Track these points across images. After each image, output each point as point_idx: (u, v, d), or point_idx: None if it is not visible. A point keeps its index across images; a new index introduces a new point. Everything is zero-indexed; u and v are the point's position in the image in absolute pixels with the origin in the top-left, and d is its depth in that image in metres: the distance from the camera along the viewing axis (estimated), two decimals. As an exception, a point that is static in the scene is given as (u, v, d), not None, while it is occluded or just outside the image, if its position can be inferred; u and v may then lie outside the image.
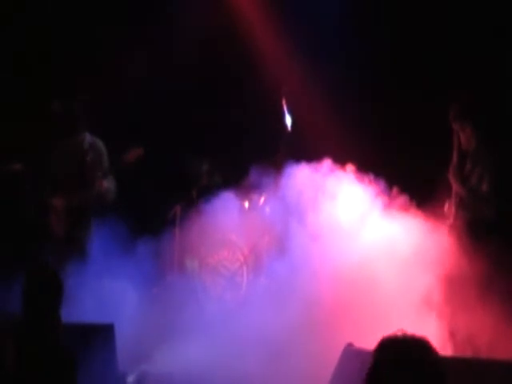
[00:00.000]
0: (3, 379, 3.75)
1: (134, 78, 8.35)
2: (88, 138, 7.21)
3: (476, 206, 6.55)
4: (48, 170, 7.12)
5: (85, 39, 8.52)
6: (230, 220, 7.73)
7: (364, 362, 2.97)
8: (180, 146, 8.75)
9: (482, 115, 6.70)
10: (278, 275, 6.83)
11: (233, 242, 7.91)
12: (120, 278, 6.97)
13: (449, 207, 6.71)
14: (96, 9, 8.54)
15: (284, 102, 8.20)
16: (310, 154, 7.33)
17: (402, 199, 6.61)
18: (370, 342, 2.79)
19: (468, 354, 5.98)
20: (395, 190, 6.69)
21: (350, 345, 5.42)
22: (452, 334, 6.17)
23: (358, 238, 6.57)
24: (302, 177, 6.87)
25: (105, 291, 6.80)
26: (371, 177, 6.75)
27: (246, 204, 8.00)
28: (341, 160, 6.93)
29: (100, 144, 7.25)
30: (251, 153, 8.23)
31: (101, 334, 5.51)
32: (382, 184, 6.69)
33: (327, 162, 6.84)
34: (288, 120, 8.20)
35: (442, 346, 5.88)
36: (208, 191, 8.02)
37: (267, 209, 7.75)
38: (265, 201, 7.89)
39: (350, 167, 6.85)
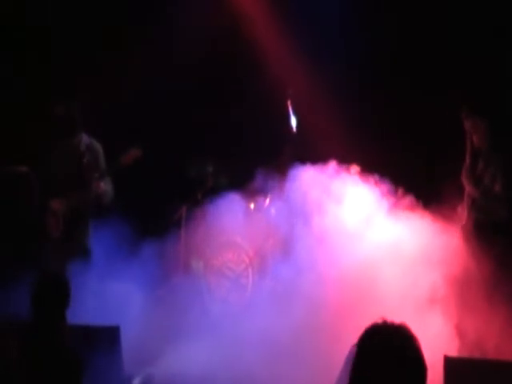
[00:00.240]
0: (8, 380, 3.75)
1: (135, 78, 8.34)
2: (85, 139, 7.20)
3: (489, 207, 6.54)
4: (48, 170, 7.11)
5: (85, 39, 8.52)
6: (235, 222, 7.71)
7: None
8: (184, 147, 8.74)
9: (495, 113, 6.69)
10: (284, 277, 6.81)
11: (238, 243, 7.90)
12: (125, 280, 6.96)
13: (461, 209, 6.70)
14: (96, 9, 8.54)
15: (289, 103, 8.20)
16: (314, 154, 7.32)
17: (408, 199, 6.60)
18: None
19: (475, 355, 5.96)
20: (400, 190, 6.68)
21: (355, 347, 5.39)
22: (459, 336, 6.15)
23: (363, 239, 6.55)
24: (307, 178, 6.86)
25: (110, 293, 6.79)
26: (376, 177, 6.74)
27: (252, 206, 7.99)
28: (345, 160, 6.93)
29: (97, 145, 7.24)
30: (256, 154, 8.22)
31: (107, 336, 5.50)
32: (388, 184, 6.68)
33: (332, 164, 6.83)
34: (293, 121, 8.20)
35: (450, 347, 5.87)
36: (213, 193, 8.01)
37: (272, 211, 7.74)
38: (270, 203, 7.88)
39: (355, 168, 6.84)
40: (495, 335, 6.00)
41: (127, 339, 5.67)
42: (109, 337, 5.51)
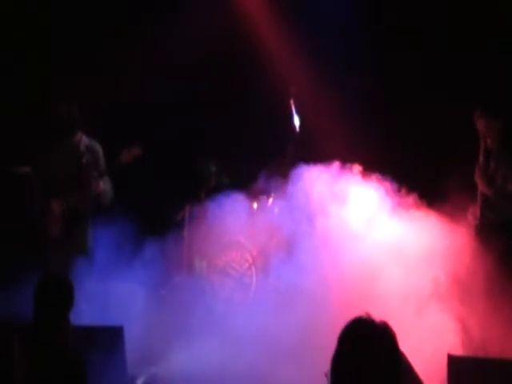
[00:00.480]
0: (11, 381, 3.75)
1: (135, 78, 8.34)
2: (84, 139, 7.21)
3: (502, 207, 6.56)
4: (47, 170, 7.11)
5: (85, 39, 8.52)
6: (238, 221, 7.72)
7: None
8: (187, 147, 8.74)
9: (508, 114, 6.69)
10: (287, 277, 6.81)
11: (241, 243, 7.91)
12: (128, 280, 6.97)
13: (474, 208, 6.71)
14: (96, 9, 8.54)
15: (292, 102, 8.20)
16: (317, 154, 7.32)
17: (413, 198, 6.59)
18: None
19: (479, 353, 5.95)
20: (404, 189, 6.67)
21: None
22: (463, 334, 6.14)
23: (367, 239, 6.54)
24: (310, 178, 6.85)
25: (113, 293, 6.79)
26: (379, 176, 6.73)
27: (255, 206, 7.99)
28: (348, 160, 6.92)
29: (96, 145, 7.24)
30: (259, 154, 8.22)
31: (110, 337, 5.49)
32: (391, 184, 6.67)
33: (336, 164, 6.82)
34: (296, 120, 8.20)
35: (455, 346, 5.87)
36: (216, 192, 8.01)
37: (276, 210, 7.73)
38: (273, 202, 7.88)
39: (357, 168, 6.83)
40: (500, 334, 5.99)
41: (130, 339, 5.66)
42: (112, 337, 5.50)
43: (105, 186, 7.08)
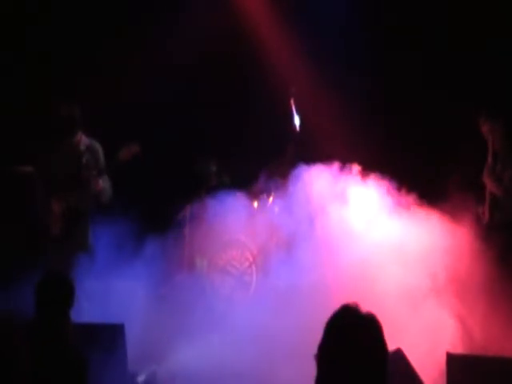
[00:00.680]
0: (12, 379, 3.76)
1: (135, 78, 8.35)
2: (84, 139, 7.21)
3: (509, 207, 6.62)
4: (48, 170, 7.12)
5: (85, 39, 8.53)
6: (238, 220, 7.73)
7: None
8: (188, 147, 8.75)
9: (508, 114, 6.74)
10: (287, 276, 6.82)
11: (241, 242, 7.92)
12: (129, 278, 6.98)
13: (482, 208, 6.75)
14: (96, 9, 8.55)
15: (292, 102, 8.21)
16: (317, 154, 7.33)
17: (413, 198, 6.60)
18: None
19: (479, 352, 5.97)
20: (404, 189, 6.68)
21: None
22: (463, 333, 6.15)
23: (367, 238, 6.55)
24: (310, 178, 6.86)
25: (113, 291, 6.81)
26: (379, 176, 6.74)
27: (255, 204, 8.00)
28: (348, 160, 6.93)
29: (96, 145, 7.23)
30: (259, 153, 8.23)
31: (111, 334, 5.51)
32: (391, 183, 6.68)
33: (336, 164, 6.83)
34: (296, 120, 8.21)
35: (454, 344, 5.88)
36: (217, 192, 8.02)
37: (276, 209, 7.75)
38: (273, 202, 7.89)
39: (357, 167, 6.84)
40: (500, 332, 6.01)
41: (131, 337, 5.68)
42: (113, 335, 5.51)
43: (104, 184, 7.08)
